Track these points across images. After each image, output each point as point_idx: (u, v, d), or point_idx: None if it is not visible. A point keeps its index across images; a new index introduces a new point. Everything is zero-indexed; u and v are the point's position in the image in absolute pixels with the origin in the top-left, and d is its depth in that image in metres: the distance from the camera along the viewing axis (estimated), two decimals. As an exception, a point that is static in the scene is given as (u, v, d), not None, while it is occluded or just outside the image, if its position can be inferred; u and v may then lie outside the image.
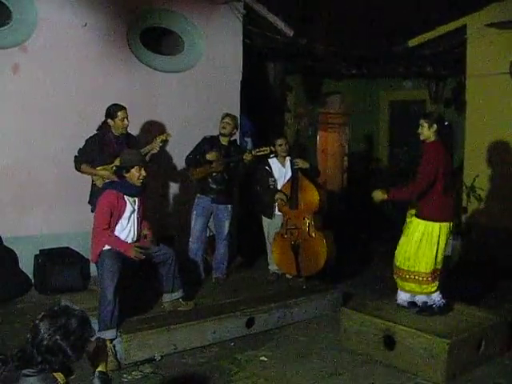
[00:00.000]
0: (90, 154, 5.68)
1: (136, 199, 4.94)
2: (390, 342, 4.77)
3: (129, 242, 4.90)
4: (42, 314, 2.44)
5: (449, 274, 5.41)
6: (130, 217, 4.89)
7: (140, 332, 4.72)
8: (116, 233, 4.83)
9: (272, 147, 6.50)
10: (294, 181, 6.38)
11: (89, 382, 2.63)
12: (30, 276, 6.51)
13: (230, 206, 6.46)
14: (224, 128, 6.35)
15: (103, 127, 5.78)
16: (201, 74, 7.82)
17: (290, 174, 6.49)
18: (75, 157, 5.78)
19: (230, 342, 5.20)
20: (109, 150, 5.64)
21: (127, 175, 4.85)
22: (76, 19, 6.71)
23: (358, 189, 11.65)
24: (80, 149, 5.78)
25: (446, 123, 5.12)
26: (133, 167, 4.83)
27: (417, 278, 5.03)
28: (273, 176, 6.53)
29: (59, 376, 2.40)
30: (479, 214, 8.43)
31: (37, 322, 2.41)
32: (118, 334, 4.65)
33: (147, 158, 5.71)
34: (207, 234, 6.65)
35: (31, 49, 6.48)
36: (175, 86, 7.60)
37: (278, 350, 5.09)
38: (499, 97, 8.27)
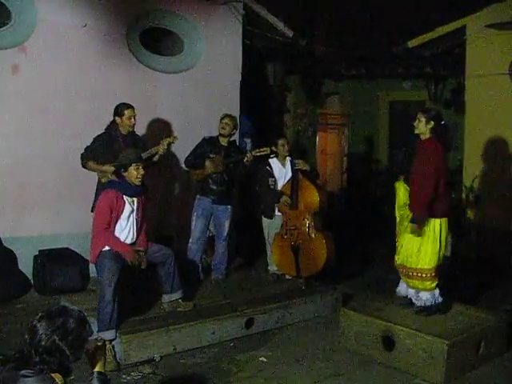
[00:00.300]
0: (97, 152, 5.69)
1: (135, 199, 4.93)
2: (389, 342, 4.77)
3: (128, 242, 4.90)
4: (40, 314, 2.44)
5: (448, 274, 5.40)
6: (128, 217, 4.88)
7: (139, 333, 4.72)
8: (115, 233, 4.83)
9: (273, 147, 6.52)
10: (294, 181, 6.38)
11: (87, 383, 2.62)
12: (30, 276, 6.51)
13: (229, 206, 6.46)
14: (223, 129, 6.35)
15: (111, 126, 5.86)
16: (200, 75, 7.83)
17: (290, 174, 6.49)
18: (82, 154, 5.81)
19: (229, 342, 5.20)
20: (116, 148, 5.65)
21: (125, 174, 4.85)
22: (76, 20, 6.72)
23: (358, 189, 11.67)
24: (87, 146, 5.81)
25: (443, 122, 5.12)
26: (131, 165, 4.83)
27: (420, 274, 5.03)
28: (273, 176, 6.53)
29: (57, 376, 2.39)
30: (478, 214, 8.43)
31: (35, 322, 2.41)
32: (118, 334, 4.65)
33: (155, 158, 5.80)
34: (207, 235, 6.64)
35: (31, 49, 6.47)
36: (175, 86, 7.61)
37: (277, 350, 5.09)
38: (499, 97, 8.27)
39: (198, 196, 6.44)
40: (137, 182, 4.87)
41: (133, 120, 5.79)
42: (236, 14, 8.05)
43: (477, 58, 8.53)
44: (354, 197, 11.44)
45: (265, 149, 6.28)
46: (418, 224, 4.94)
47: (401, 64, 10.33)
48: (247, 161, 6.23)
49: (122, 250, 4.76)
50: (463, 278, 6.94)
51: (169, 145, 5.84)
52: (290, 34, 8.81)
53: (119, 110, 5.76)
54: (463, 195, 8.54)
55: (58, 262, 6.35)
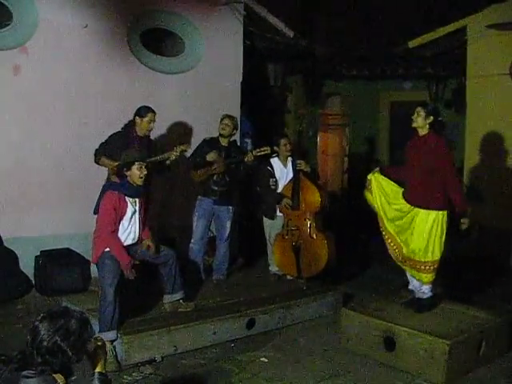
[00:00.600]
0: (111, 149, 5.71)
1: (137, 200, 4.94)
2: (390, 342, 4.77)
3: (129, 243, 4.91)
4: (42, 315, 2.44)
5: (449, 273, 5.41)
6: (131, 218, 4.89)
7: (140, 333, 4.73)
8: (118, 234, 4.83)
9: (275, 147, 6.53)
10: (295, 181, 6.38)
11: (88, 383, 2.62)
12: (31, 277, 6.50)
13: (231, 207, 6.46)
14: (223, 129, 6.35)
15: (129, 126, 5.93)
16: (201, 75, 7.83)
17: (291, 174, 6.49)
18: (96, 149, 5.84)
19: (230, 343, 5.21)
20: (130, 147, 5.66)
21: (128, 173, 4.85)
22: (77, 20, 6.71)
23: (359, 190, 11.65)
24: (102, 142, 5.85)
25: (440, 119, 5.17)
26: (133, 164, 4.83)
27: (428, 267, 5.04)
28: (274, 176, 6.53)
29: (59, 377, 2.40)
30: (479, 214, 8.42)
31: (36, 323, 2.41)
32: (119, 335, 4.65)
33: (166, 164, 5.87)
34: (208, 235, 6.65)
35: (32, 50, 6.47)
36: (175, 87, 7.61)
37: (278, 350, 5.09)
38: (499, 98, 8.28)
39: (199, 197, 6.44)
40: (139, 181, 4.87)
41: (152, 124, 5.89)
42: (237, 14, 8.05)
43: (477, 58, 8.53)
44: (355, 197, 11.41)
45: (265, 148, 6.27)
46: (467, 214, 5.04)
47: (401, 64, 10.33)
48: (248, 161, 6.23)
49: (121, 260, 4.71)
50: (464, 278, 6.94)
51: (181, 152, 5.87)
52: (291, 34, 8.81)
53: (142, 112, 5.84)
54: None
55: (59, 263, 6.35)
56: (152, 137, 6.18)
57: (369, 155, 12.17)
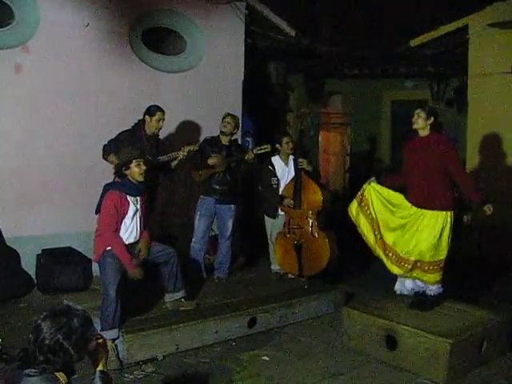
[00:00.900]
0: (120, 146, 5.71)
1: (138, 198, 4.94)
2: (391, 341, 4.77)
3: (131, 241, 4.90)
4: (44, 313, 2.44)
5: (450, 272, 5.40)
6: (133, 217, 4.88)
7: (142, 332, 4.73)
8: (120, 233, 4.82)
9: (277, 145, 6.53)
10: (297, 180, 6.38)
11: (90, 382, 2.63)
12: (33, 276, 6.52)
13: (233, 206, 6.45)
14: (225, 127, 6.34)
15: (138, 124, 5.98)
16: (203, 74, 7.83)
17: (292, 173, 6.49)
18: (104, 145, 5.87)
19: (231, 341, 5.21)
20: (139, 146, 5.67)
21: (128, 172, 4.85)
22: (78, 19, 6.73)
23: (360, 189, 11.64)
24: (111, 139, 5.88)
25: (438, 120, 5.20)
26: (131, 162, 4.83)
27: (437, 266, 5.05)
28: (276, 175, 6.53)
29: (61, 376, 2.40)
30: (481, 213, 8.41)
31: (39, 321, 2.41)
32: (120, 333, 4.65)
33: (173, 164, 5.94)
34: (209, 234, 6.65)
35: (33, 49, 6.48)
36: (177, 85, 7.61)
37: (279, 349, 5.10)
38: (501, 96, 8.27)
39: (201, 196, 6.44)
40: (140, 178, 4.87)
41: (161, 123, 5.96)
42: (238, 13, 8.05)
43: (479, 57, 8.52)
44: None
45: (265, 146, 6.27)
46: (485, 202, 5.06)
47: (403, 63, 10.33)
48: (248, 159, 6.23)
49: (122, 259, 4.72)
50: (465, 277, 6.93)
51: (189, 152, 5.91)
52: (293, 33, 8.81)
53: (151, 110, 5.91)
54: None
55: (60, 261, 6.35)
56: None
57: (370, 154, 12.18)
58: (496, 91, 8.32)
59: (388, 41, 9.69)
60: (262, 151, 6.27)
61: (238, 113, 7.52)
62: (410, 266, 5.12)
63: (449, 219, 5.00)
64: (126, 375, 4.44)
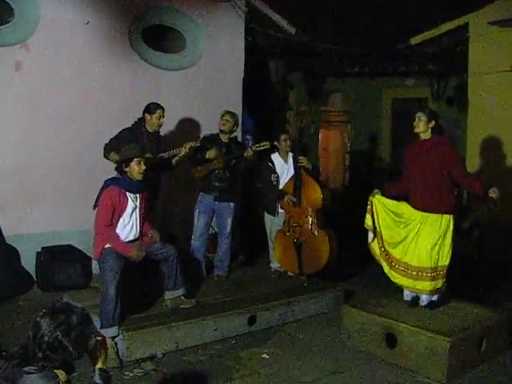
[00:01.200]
0: (121, 144, 5.70)
1: (138, 196, 4.94)
2: (391, 339, 4.77)
3: (131, 239, 4.91)
4: (43, 310, 2.44)
5: (450, 271, 5.41)
6: (131, 213, 4.89)
7: (142, 329, 4.73)
8: (118, 230, 4.83)
9: (276, 142, 6.53)
10: (297, 178, 6.37)
11: (89, 380, 2.62)
12: (32, 274, 6.53)
13: (232, 203, 6.45)
14: (224, 125, 6.35)
15: (138, 122, 5.98)
16: (203, 72, 7.82)
17: (292, 170, 6.49)
18: (105, 144, 5.86)
19: (231, 339, 5.21)
20: (140, 144, 5.67)
21: (127, 169, 4.86)
22: (78, 17, 6.72)
23: (360, 187, 11.63)
24: (112, 138, 5.87)
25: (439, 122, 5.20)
26: (132, 160, 4.84)
27: (440, 272, 5.04)
28: (275, 172, 6.54)
29: (61, 373, 2.40)
30: (481, 212, 8.41)
31: (38, 318, 2.41)
32: (120, 331, 4.66)
33: (174, 161, 5.92)
34: (209, 232, 6.65)
35: (33, 47, 6.48)
36: (177, 83, 7.60)
37: (279, 347, 5.10)
38: (501, 95, 8.26)
39: (200, 193, 6.45)
40: (139, 177, 4.88)
41: (161, 120, 5.96)
42: (238, 11, 8.04)
43: (479, 55, 8.51)
44: (356, 194, 11.39)
45: (264, 143, 6.27)
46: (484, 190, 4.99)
47: (403, 61, 10.31)
48: (247, 156, 6.23)
49: (119, 247, 4.76)
50: (465, 276, 6.93)
51: (191, 149, 5.90)
52: (293, 31, 8.80)
53: (151, 108, 5.91)
54: (465, 193, 8.52)
55: (60, 259, 6.35)
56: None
57: (370, 152, 12.16)
58: (496, 89, 8.30)
59: (388, 39, 9.68)
60: (261, 148, 6.27)
61: (238, 111, 7.52)
62: (414, 273, 5.10)
63: (451, 223, 5.00)
64: (126, 373, 4.44)
